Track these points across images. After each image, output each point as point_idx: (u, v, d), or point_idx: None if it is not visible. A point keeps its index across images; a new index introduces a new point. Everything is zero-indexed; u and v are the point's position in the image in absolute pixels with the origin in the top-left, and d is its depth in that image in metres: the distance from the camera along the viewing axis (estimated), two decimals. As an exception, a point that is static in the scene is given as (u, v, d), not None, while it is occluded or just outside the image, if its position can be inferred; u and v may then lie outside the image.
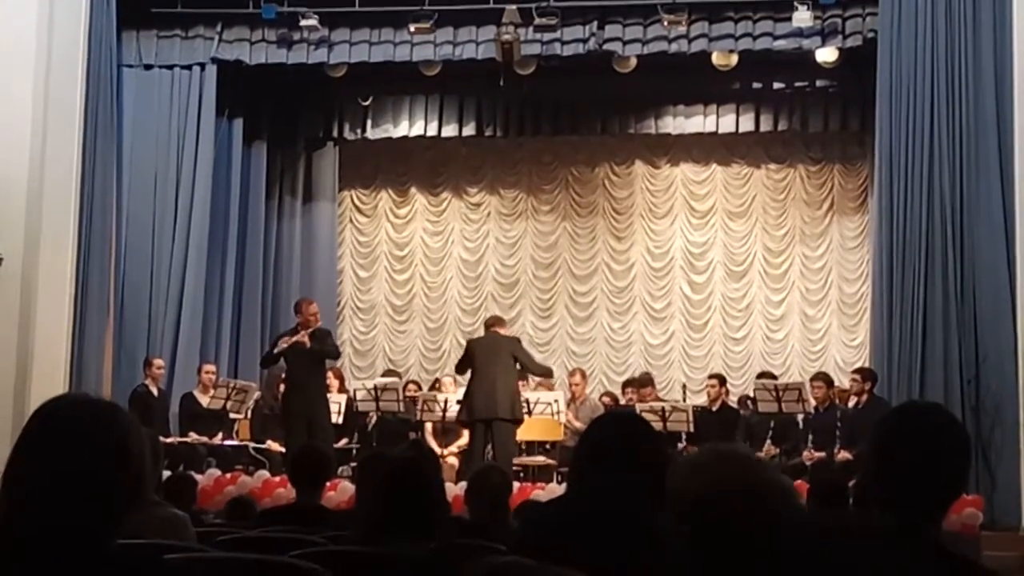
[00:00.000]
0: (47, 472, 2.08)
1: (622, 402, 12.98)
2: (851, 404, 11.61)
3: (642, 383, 13.46)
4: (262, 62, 13.58)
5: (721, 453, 2.37)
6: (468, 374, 11.51)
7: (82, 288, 12.35)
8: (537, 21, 12.64)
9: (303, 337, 11.41)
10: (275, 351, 11.67)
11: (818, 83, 14.29)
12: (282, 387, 12.03)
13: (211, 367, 12.76)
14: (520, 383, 12.47)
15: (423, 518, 3.44)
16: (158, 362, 12.49)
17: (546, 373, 12.59)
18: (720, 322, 15.76)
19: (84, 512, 2.07)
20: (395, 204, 16.67)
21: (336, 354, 12.40)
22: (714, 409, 12.28)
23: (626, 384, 13.61)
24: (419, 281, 16.50)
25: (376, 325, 16.34)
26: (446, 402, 12.26)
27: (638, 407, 11.83)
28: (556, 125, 15.31)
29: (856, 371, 11.89)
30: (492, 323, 11.88)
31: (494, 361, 11.27)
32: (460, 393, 11.90)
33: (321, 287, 15.61)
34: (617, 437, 3.08)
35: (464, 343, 12.81)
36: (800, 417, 11.61)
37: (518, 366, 11.46)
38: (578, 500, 3.09)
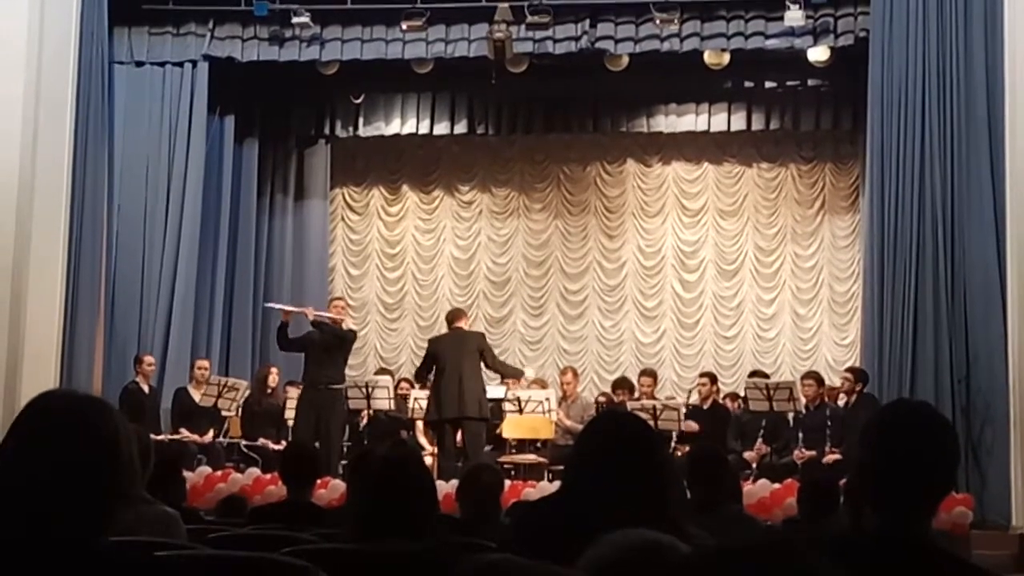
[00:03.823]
0: (36, 467, 2.07)
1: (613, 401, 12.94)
2: (841, 403, 11.65)
3: (643, 373, 13.38)
4: (254, 59, 13.56)
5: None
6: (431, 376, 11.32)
7: (73, 285, 12.32)
8: (529, 19, 12.65)
9: (308, 311, 11.71)
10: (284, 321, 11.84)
11: (810, 82, 14.31)
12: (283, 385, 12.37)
13: (204, 363, 12.72)
14: (511, 381, 12.42)
15: (413, 516, 3.43)
16: (149, 359, 12.45)
17: (517, 375, 12.40)
18: (711, 321, 15.76)
19: (72, 507, 2.07)
20: (387, 202, 16.66)
21: (336, 341, 11.70)
22: (705, 408, 12.28)
23: (615, 386, 13.48)
24: (411, 279, 16.49)
25: (368, 323, 16.31)
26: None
27: (629, 405, 11.82)
28: (548, 123, 15.31)
29: (848, 370, 11.92)
30: (454, 318, 11.66)
31: (460, 358, 11.11)
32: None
33: (312, 285, 15.61)
34: (614, 436, 3.06)
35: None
36: (791, 416, 11.62)
37: (483, 364, 11.29)
38: (571, 498, 3.08)
